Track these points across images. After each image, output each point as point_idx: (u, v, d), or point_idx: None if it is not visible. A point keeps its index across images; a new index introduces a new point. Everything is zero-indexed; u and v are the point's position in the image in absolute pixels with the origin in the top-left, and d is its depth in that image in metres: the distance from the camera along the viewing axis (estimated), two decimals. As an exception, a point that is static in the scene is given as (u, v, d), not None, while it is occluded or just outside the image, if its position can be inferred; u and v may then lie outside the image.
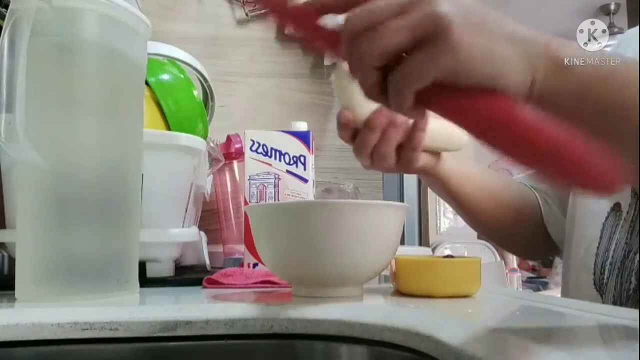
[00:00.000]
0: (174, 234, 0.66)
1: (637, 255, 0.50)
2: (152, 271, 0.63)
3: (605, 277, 0.53)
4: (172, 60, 0.77)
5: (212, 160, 0.81)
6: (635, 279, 0.50)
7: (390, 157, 0.52)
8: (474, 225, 0.71)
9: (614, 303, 0.51)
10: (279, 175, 0.66)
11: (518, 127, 0.31)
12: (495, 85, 0.32)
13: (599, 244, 0.55)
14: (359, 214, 0.44)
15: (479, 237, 2.91)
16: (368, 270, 0.47)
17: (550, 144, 0.30)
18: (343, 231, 0.44)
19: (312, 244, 0.44)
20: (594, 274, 0.54)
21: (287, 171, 0.66)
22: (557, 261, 2.93)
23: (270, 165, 0.66)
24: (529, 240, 0.70)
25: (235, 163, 0.90)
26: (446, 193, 0.65)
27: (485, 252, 2.87)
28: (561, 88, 0.34)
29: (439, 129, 0.54)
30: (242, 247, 0.72)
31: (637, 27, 0.61)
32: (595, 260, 0.54)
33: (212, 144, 0.81)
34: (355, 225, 0.44)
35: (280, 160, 0.66)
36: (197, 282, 0.59)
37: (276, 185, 0.66)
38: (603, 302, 0.53)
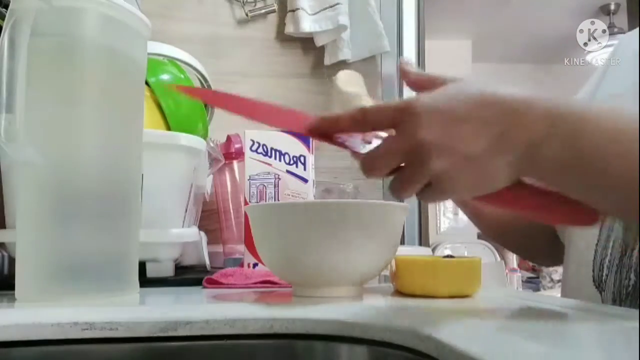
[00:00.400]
0: (174, 234, 0.66)
1: (635, 252, 0.50)
2: (152, 271, 0.64)
3: (604, 274, 0.53)
4: (172, 60, 0.77)
5: (212, 160, 0.81)
6: (634, 275, 0.49)
7: None
8: (484, 230, 0.72)
9: (614, 300, 0.51)
10: (279, 175, 0.66)
11: (526, 206, 0.41)
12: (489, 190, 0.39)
13: (597, 241, 0.55)
14: (358, 214, 0.44)
15: (479, 237, 2.91)
16: (367, 270, 0.47)
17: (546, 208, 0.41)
18: (342, 231, 0.44)
19: (311, 244, 0.44)
20: (593, 270, 0.54)
21: (287, 171, 0.66)
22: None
23: (270, 165, 0.66)
24: (540, 245, 0.70)
25: (235, 163, 0.90)
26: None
27: (485, 252, 2.87)
28: (546, 167, 0.38)
29: None
30: (242, 247, 0.72)
31: (635, 30, 0.61)
32: (595, 257, 0.54)
33: (212, 144, 0.81)
34: (355, 226, 0.44)
35: (280, 160, 0.66)
36: (197, 282, 0.59)
37: (276, 185, 0.66)
38: (602, 300, 0.52)
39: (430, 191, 0.39)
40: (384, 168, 0.40)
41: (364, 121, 0.40)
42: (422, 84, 0.42)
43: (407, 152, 0.38)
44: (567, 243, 0.61)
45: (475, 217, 0.69)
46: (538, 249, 0.72)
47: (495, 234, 0.72)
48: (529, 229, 0.68)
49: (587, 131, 0.36)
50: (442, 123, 0.37)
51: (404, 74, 0.44)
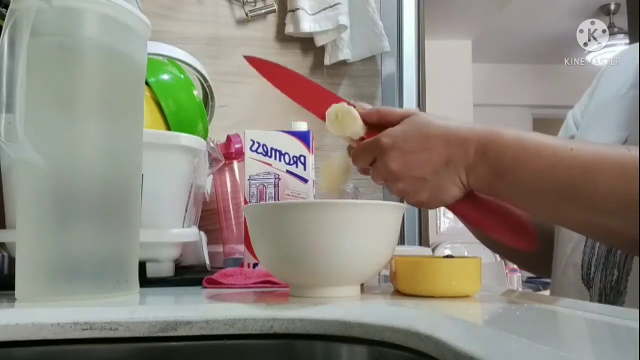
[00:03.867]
0: (174, 234, 0.66)
1: (619, 250, 0.53)
2: (152, 271, 0.63)
3: (592, 272, 0.56)
4: (172, 60, 0.77)
5: (212, 160, 0.81)
6: (617, 270, 0.53)
7: None
8: (483, 241, 0.72)
9: (600, 295, 0.54)
10: (279, 175, 0.66)
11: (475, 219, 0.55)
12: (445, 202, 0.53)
13: (585, 242, 0.57)
14: (355, 214, 0.44)
15: (479, 237, 2.90)
16: (366, 270, 0.47)
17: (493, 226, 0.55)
18: (340, 231, 0.44)
19: (310, 244, 0.44)
20: (582, 269, 0.57)
21: (287, 171, 0.66)
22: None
23: (270, 165, 0.66)
24: (540, 256, 0.70)
25: (235, 163, 0.90)
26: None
27: (485, 252, 2.86)
28: (485, 175, 0.50)
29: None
30: (242, 247, 0.72)
31: (635, 44, 0.63)
32: (583, 258, 0.57)
33: (212, 144, 0.81)
34: (352, 225, 0.44)
35: (280, 160, 0.66)
36: (197, 282, 0.59)
37: (276, 185, 0.66)
38: (590, 295, 0.56)
39: (405, 201, 0.55)
40: (364, 165, 0.56)
41: (357, 157, 0.55)
42: (385, 120, 0.55)
43: (382, 174, 0.53)
44: (555, 248, 0.63)
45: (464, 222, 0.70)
46: (527, 257, 0.73)
47: (483, 237, 0.72)
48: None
49: (503, 154, 0.49)
50: (399, 156, 0.51)
51: (366, 117, 0.55)
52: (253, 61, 0.59)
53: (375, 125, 0.55)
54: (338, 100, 0.56)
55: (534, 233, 0.54)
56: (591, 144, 0.50)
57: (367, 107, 0.56)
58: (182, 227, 0.69)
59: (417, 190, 0.52)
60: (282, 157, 0.66)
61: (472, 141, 0.50)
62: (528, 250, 0.53)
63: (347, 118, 0.54)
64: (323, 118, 0.56)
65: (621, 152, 0.46)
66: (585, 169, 0.46)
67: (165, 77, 0.72)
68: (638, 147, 0.45)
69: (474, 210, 0.54)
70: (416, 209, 1.15)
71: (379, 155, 0.53)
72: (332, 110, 0.55)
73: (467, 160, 0.50)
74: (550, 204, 0.49)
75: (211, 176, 0.88)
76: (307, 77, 1.18)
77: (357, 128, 0.55)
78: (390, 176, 0.52)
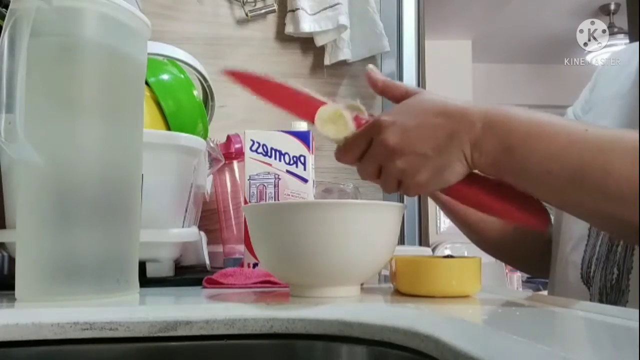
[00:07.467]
0: (174, 234, 0.66)
1: (619, 248, 0.53)
2: (152, 271, 0.63)
3: (592, 271, 0.55)
4: (172, 60, 0.77)
5: (212, 160, 0.81)
6: (617, 269, 0.52)
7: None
8: (481, 245, 0.72)
9: (600, 294, 0.54)
10: (279, 175, 0.66)
11: (481, 203, 0.50)
12: (447, 183, 0.48)
13: (587, 241, 0.57)
14: (355, 214, 0.44)
15: (479, 237, 2.90)
16: (366, 270, 0.47)
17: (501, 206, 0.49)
18: (340, 231, 0.44)
19: (310, 244, 0.44)
20: (582, 269, 0.57)
21: (287, 171, 0.66)
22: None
23: (270, 165, 0.66)
24: (537, 257, 0.70)
25: (235, 163, 0.90)
26: (449, 212, 0.66)
27: (485, 252, 2.86)
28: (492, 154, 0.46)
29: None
30: (242, 247, 0.72)
31: (635, 44, 0.63)
32: (583, 257, 0.57)
33: (212, 144, 0.81)
34: (352, 225, 0.44)
35: (280, 160, 0.66)
36: (197, 282, 0.59)
37: (276, 185, 0.66)
38: (590, 294, 0.55)
39: (404, 187, 0.49)
40: (357, 152, 0.50)
41: (352, 143, 0.50)
42: (389, 92, 0.52)
43: (379, 155, 0.48)
44: (555, 247, 0.63)
45: (462, 225, 0.69)
46: (528, 257, 0.73)
47: (477, 236, 0.72)
48: (521, 235, 0.69)
49: (514, 129, 0.46)
50: (399, 132, 0.47)
51: (372, 83, 0.53)
52: (235, 75, 0.53)
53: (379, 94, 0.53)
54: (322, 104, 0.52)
55: (544, 209, 0.49)
56: (606, 128, 0.47)
57: (379, 74, 0.53)
58: (182, 227, 0.69)
59: (417, 169, 0.47)
60: (282, 157, 0.66)
61: (478, 115, 0.46)
62: (541, 228, 0.49)
63: (340, 120, 0.51)
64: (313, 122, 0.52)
65: (636, 138, 0.43)
66: (599, 153, 0.44)
67: (165, 77, 0.72)
68: None
69: (476, 189, 0.50)
70: (416, 210, 1.15)
71: (376, 134, 0.48)
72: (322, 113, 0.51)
73: (472, 133, 0.46)
74: (560, 187, 0.45)
75: (211, 176, 0.88)
76: (307, 76, 1.18)
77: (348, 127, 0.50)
78: (388, 154, 0.47)
